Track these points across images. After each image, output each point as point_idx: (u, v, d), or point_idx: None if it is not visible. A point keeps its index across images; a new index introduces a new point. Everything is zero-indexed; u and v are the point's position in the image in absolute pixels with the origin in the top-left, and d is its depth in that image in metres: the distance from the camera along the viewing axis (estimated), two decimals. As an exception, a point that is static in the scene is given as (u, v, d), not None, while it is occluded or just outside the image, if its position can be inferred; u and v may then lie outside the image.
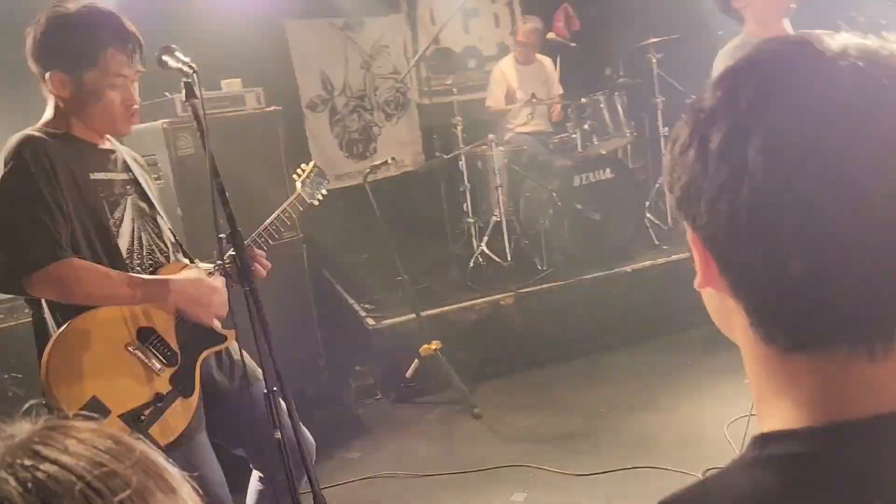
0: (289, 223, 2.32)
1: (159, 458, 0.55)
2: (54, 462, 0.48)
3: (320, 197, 2.50)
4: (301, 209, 2.40)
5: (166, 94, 3.99)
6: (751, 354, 0.70)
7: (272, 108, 4.38)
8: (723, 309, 0.72)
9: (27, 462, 0.48)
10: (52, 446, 0.50)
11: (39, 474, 0.47)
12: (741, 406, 3.42)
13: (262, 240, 2.25)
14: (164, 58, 1.85)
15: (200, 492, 0.57)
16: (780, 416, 0.68)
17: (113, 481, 0.48)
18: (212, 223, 1.72)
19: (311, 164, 2.52)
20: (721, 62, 3.04)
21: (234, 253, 1.66)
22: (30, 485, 0.46)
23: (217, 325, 2.15)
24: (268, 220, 2.28)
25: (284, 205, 2.35)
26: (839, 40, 0.64)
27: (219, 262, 1.83)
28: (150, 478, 0.51)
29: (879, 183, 0.59)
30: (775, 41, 0.68)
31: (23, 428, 0.53)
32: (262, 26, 5.67)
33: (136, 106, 2.05)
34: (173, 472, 0.55)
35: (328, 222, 5.71)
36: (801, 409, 0.66)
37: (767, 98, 0.63)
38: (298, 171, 2.50)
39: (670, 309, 4.53)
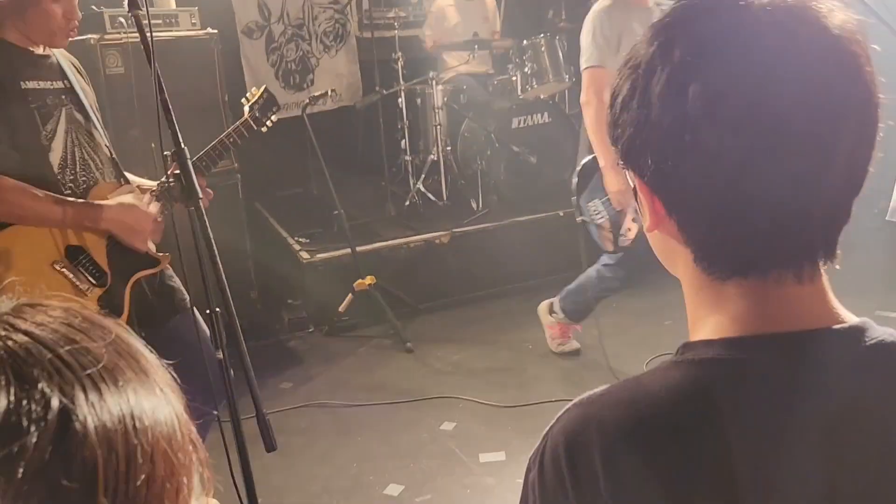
0: (231, 148, 2.26)
1: (135, 343, 0.55)
2: (26, 333, 0.48)
3: (269, 123, 2.45)
4: (247, 135, 2.34)
5: (93, 7, 3.80)
6: (691, 285, 0.77)
7: (207, 30, 4.23)
8: (667, 249, 0.78)
9: (1, 332, 0.48)
10: (26, 319, 0.50)
11: (11, 343, 0.47)
12: (662, 345, 3.62)
13: (204, 164, 2.21)
14: None
15: (178, 380, 0.58)
16: (707, 330, 0.75)
17: (84, 357, 0.48)
18: (142, 147, 1.67)
19: (263, 88, 2.46)
20: (591, 22, 3.32)
21: (177, 172, 1.63)
22: (1, 352, 0.46)
23: (151, 248, 2.12)
24: (212, 143, 2.23)
25: (230, 129, 2.29)
26: None
27: (163, 180, 1.79)
28: (122, 358, 0.51)
29: (802, 119, 0.65)
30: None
31: (1, 302, 0.53)
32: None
33: (76, 21, 1.96)
34: (149, 357, 0.55)
35: (263, 154, 5.58)
36: (726, 325, 0.73)
37: (701, 47, 0.67)
38: (248, 95, 2.44)
39: (598, 252, 4.67)
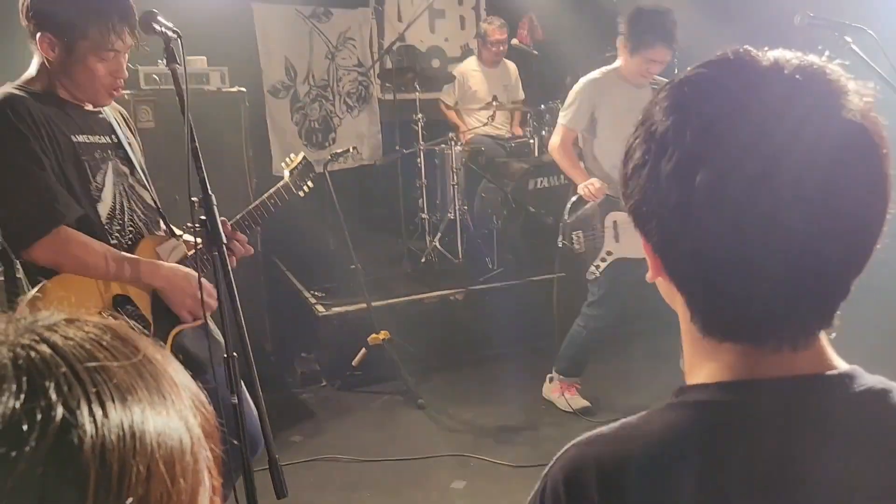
0: (273, 210, 2.34)
1: (165, 366, 0.55)
2: (51, 345, 0.50)
3: (306, 189, 2.55)
4: (287, 198, 2.43)
5: (129, 65, 3.95)
6: (689, 333, 0.79)
7: (236, 88, 4.38)
8: (670, 294, 0.80)
9: (27, 341, 0.50)
10: (57, 332, 0.51)
11: (33, 353, 0.48)
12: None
13: (247, 223, 2.27)
14: (149, 22, 1.86)
15: (209, 408, 0.57)
16: (703, 375, 0.77)
17: (98, 374, 0.49)
18: (166, 198, 1.73)
19: (301, 155, 2.56)
20: (578, 87, 3.72)
21: (204, 217, 1.68)
22: (21, 361, 0.48)
23: (188, 318, 2.13)
24: (253, 204, 2.31)
25: (271, 191, 2.38)
26: (772, 69, 0.71)
27: (189, 224, 1.85)
28: (141, 378, 0.51)
29: (801, 212, 0.67)
30: (715, 67, 0.74)
31: (44, 315, 0.55)
32: (230, 7, 5.64)
33: (122, 80, 2.05)
34: (177, 381, 0.55)
35: (283, 208, 5.69)
36: (721, 371, 0.75)
37: (711, 133, 0.69)
38: (287, 160, 2.54)
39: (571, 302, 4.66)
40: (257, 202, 2.34)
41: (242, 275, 4.33)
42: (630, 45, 3.52)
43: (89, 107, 2.09)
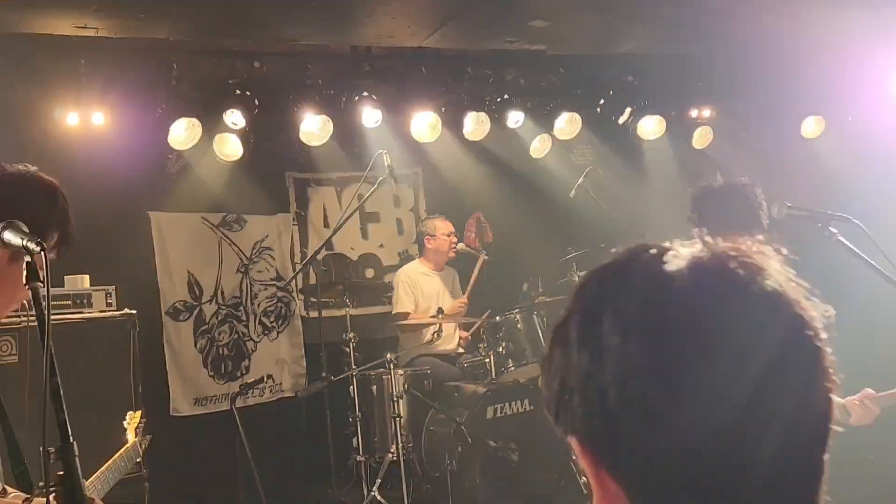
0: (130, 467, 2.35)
1: None
2: None
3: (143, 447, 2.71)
4: (135, 462, 2.57)
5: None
6: None
7: (124, 311, 4.37)
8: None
9: None
10: None
11: None
12: None
13: (98, 488, 2.19)
14: (6, 234, 1.85)
15: None
16: None
17: None
18: (28, 452, 1.63)
19: (139, 413, 2.73)
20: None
21: (61, 473, 1.56)
22: None
23: None
24: (101, 469, 2.32)
25: (115, 456, 2.46)
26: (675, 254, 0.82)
27: (41, 484, 1.72)
28: None
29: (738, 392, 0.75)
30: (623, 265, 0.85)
31: None
32: (122, 216, 5.77)
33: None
34: None
35: (180, 457, 5.47)
36: None
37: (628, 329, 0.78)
38: (127, 418, 2.70)
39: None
40: (103, 468, 2.37)
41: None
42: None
43: None
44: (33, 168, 2.09)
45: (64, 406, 1.61)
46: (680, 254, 0.82)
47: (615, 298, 0.80)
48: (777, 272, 0.82)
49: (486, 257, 6.26)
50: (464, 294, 6.22)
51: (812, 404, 0.79)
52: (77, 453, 1.60)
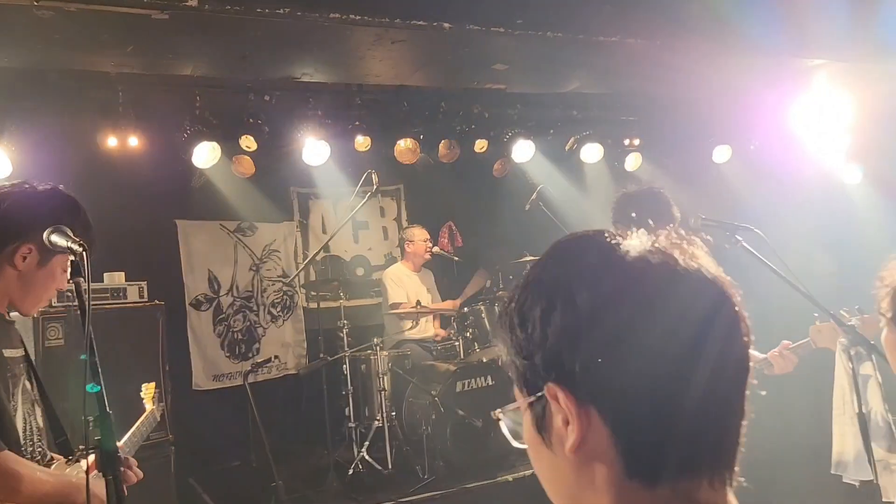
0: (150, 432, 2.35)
1: None
2: None
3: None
4: (154, 425, 2.51)
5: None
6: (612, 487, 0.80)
7: (154, 302, 4.30)
8: (582, 476, 0.81)
9: None
10: None
11: None
12: None
13: (128, 451, 2.14)
14: (53, 237, 1.82)
15: None
16: None
17: None
18: (71, 421, 1.61)
19: (152, 384, 2.64)
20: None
21: (99, 437, 1.54)
22: None
23: None
24: (126, 435, 2.26)
25: (139, 422, 2.40)
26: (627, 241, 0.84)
27: (81, 447, 1.69)
28: None
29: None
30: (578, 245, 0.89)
31: None
32: (154, 223, 5.71)
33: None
34: None
35: (201, 425, 5.40)
36: None
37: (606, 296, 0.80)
38: (143, 389, 2.61)
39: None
40: (129, 432, 2.33)
41: (154, 501, 3.99)
42: None
43: (7, 316, 1.99)
44: (59, 185, 2.04)
45: (102, 381, 1.59)
46: (631, 241, 0.84)
47: (577, 272, 0.82)
48: (704, 257, 0.84)
49: (487, 277, 6.30)
50: (457, 299, 6.26)
51: (734, 352, 0.81)
52: (113, 421, 1.58)
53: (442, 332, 6.18)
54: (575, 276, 0.82)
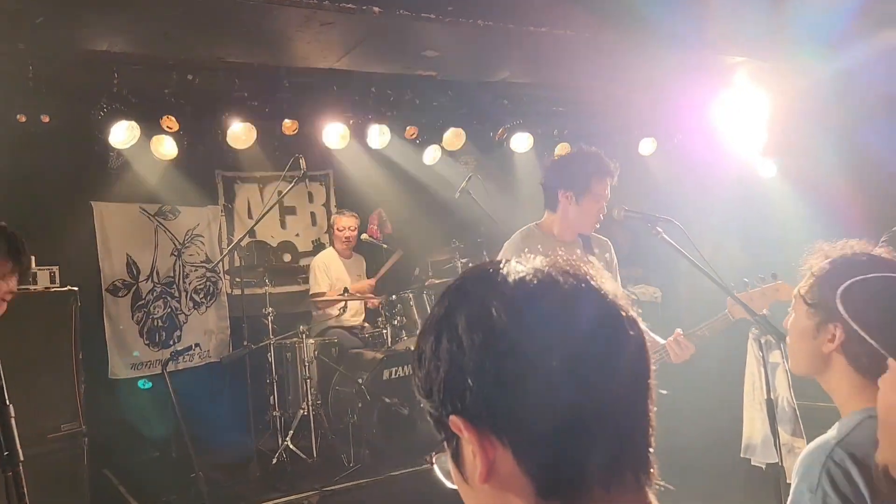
0: None
1: None
2: None
3: None
4: None
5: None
6: None
7: (67, 287, 4.13)
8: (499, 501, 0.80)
9: None
10: None
11: None
12: None
13: None
14: None
15: None
16: None
17: None
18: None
19: None
20: (510, 247, 3.37)
21: (-1, 433, 1.46)
22: None
23: None
24: None
25: None
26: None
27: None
28: None
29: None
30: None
31: None
32: (67, 204, 5.48)
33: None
34: None
35: (117, 415, 5.24)
36: None
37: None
38: None
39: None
40: None
41: (65, 496, 3.84)
42: (575, 189, 3.22)
43: None
44: None
45: (1, 373, 1.51)
46: (515, 266, 0.83)
47: (460, 301, 0.82)
48: (599, 274, 0.83)
49: (401, 253, 6.25)
50: (373, 278, 6.20)
51: (627, 358, 0.81)
52: (13, 415, 1.50)
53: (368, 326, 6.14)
54: (457, 305, 0.82)
